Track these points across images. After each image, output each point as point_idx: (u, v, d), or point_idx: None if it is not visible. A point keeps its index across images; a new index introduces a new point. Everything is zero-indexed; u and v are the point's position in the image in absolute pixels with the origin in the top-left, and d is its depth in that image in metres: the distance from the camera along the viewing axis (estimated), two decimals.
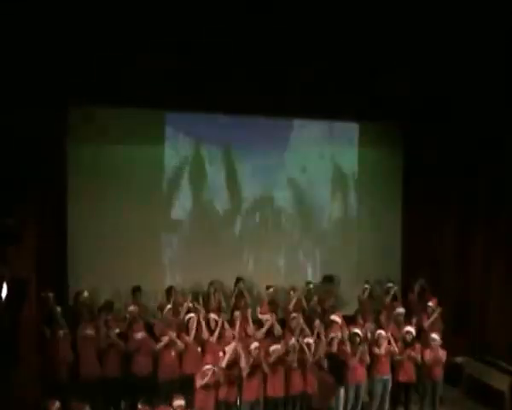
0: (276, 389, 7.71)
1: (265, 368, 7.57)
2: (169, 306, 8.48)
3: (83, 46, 7.72)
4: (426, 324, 9.02)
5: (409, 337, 8.35)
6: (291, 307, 9.18)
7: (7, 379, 6.58)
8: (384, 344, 8.24)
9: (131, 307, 8.36)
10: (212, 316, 8.36)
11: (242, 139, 10.01)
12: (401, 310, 8.94)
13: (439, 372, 8.34)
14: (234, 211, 10.15)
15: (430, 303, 9.23)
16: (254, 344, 7.61)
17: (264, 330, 8.52)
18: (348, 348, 8.08)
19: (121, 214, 9.31)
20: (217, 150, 9.94)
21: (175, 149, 9.73)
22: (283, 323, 8.81)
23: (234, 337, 7.98)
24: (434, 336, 8.43)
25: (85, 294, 8.62)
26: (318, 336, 8.16)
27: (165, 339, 8.01)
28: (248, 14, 7.57)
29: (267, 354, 7.68)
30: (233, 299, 9.29)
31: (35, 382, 6.93)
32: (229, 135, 9.90)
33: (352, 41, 8.16)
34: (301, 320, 8.46)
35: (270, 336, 8.46)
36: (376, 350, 8.21)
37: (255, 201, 10.24)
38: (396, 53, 8.43)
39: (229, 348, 7.51)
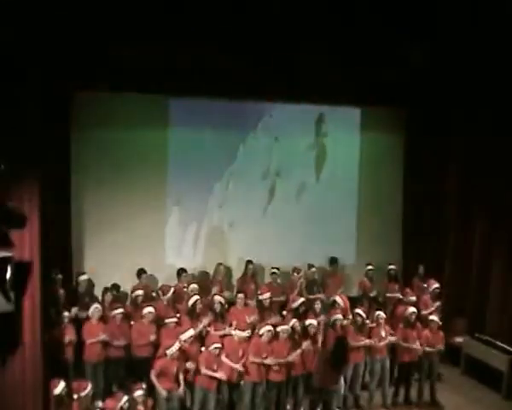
0: (278, 372, 7.71)
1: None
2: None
3: (85, 31, 7.70)
4: (427, 308, 9.20)
5: (412, 318, 8.44)
6: (295, 292, 9.24)
7: (9, 360, 6.62)
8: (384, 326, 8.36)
9: (138, 292, 8.42)
10: (218, 298, 8.35)
11: (245, 123, 10.08)
12: (412, 298, 9.22)
13: (436, 353, 8.50)
14: (236, 194, 10.17)
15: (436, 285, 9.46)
16: (267, 328, 7.67)
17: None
18: (351, 328, 8.19)
19: (125, 198, 9.33)
20: (219, 134, 9.90)
21: (178, 134, 9.70)
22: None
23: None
24: (433, 317, 8.60)
25: (85, 276, 8.72)
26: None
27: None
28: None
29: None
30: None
31: (38, 363, 6.99)
32: (231, 119, 9.93)
33: (353, 26, 8.20)
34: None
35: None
36: (382, 333, 8.28)
37: (257, 184, 10.28)
38: (398, 37, 8.47)
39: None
